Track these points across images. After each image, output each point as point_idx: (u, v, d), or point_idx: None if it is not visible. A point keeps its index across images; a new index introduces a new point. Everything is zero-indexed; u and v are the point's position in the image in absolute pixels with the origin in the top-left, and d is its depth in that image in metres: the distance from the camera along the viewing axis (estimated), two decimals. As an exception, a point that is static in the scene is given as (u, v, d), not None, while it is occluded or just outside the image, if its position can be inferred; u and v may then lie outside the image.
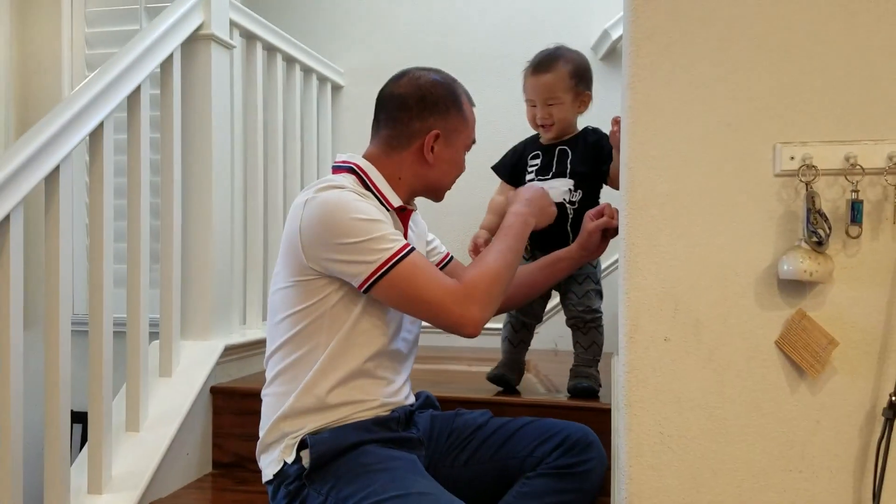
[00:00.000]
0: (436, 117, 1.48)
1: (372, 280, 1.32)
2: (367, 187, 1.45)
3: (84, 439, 2.88)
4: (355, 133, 3.17)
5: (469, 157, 1.59)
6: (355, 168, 1.47)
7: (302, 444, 1.36)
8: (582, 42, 2.86)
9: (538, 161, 1.91)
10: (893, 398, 1.02)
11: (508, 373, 1.95)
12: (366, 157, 1.50)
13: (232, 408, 2.07)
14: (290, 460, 1.36)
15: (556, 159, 1.88)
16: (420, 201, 1.60)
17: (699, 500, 1.09)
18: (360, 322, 1.39)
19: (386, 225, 1.36)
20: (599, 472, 1.47)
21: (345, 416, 1.38)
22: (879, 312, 1.05)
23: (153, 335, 1.98)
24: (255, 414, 2.01)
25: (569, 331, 1.90)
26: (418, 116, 1.48)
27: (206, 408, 2.05)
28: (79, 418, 2.27)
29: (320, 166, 3.02)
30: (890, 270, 1.04)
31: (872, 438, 1.04)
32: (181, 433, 1.91)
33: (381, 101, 1.53)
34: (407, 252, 1.34)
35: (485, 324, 1.38)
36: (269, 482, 1.41)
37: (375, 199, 1.43)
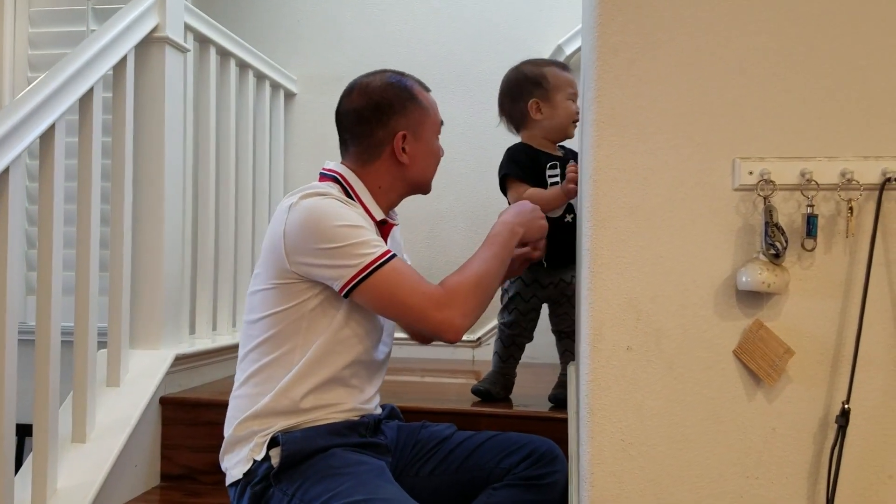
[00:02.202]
0: (396, 118, 1.48)
1: (353, 284, 1.32)
2: (350, 197, 1.45)
3: (20, 452, 2.78)
4: (308, 141, 3.15)
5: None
6: (339, 178, 1.47)
7: (272, 443, 1.34)
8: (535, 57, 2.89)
9: (557, 171, 1.87)
10: (846, 406, 1.06)
11: (492, 387, 1.97)
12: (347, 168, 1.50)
13: (182, 418, 2.02)
14: (259, 458, 1.34)
15: None
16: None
17: (659, 507, 1.12)
18: (342, 329, 1.39)
19: (368, 231, 1.37)
20: (563, 484, 1.49)
21: (316, 418, 1.38)
22: (832, 323, 1.08)
23: (101, 344, 1.92)
24: (206, 425, 1.96)
25: None
26: (379, 124, 1.48)
27: (155, 418, 2.00)
28: (19, 430, 2.19)
29: (272, 174, 2.99)
30: (842, 282, 1.08)
31: (826, 445, 1.08)
32: (129, 444, 1.86)
33: (340, 119, 1.53)
34: (389, 257, 1.34)
35: (466, 330, 1.38)
36: (233, 484, 1.38)
37: (359, 209, 1.43)
